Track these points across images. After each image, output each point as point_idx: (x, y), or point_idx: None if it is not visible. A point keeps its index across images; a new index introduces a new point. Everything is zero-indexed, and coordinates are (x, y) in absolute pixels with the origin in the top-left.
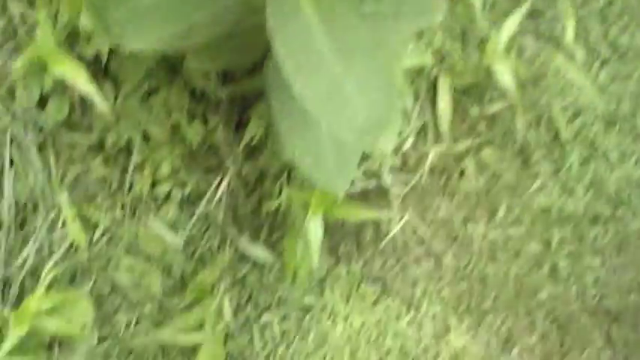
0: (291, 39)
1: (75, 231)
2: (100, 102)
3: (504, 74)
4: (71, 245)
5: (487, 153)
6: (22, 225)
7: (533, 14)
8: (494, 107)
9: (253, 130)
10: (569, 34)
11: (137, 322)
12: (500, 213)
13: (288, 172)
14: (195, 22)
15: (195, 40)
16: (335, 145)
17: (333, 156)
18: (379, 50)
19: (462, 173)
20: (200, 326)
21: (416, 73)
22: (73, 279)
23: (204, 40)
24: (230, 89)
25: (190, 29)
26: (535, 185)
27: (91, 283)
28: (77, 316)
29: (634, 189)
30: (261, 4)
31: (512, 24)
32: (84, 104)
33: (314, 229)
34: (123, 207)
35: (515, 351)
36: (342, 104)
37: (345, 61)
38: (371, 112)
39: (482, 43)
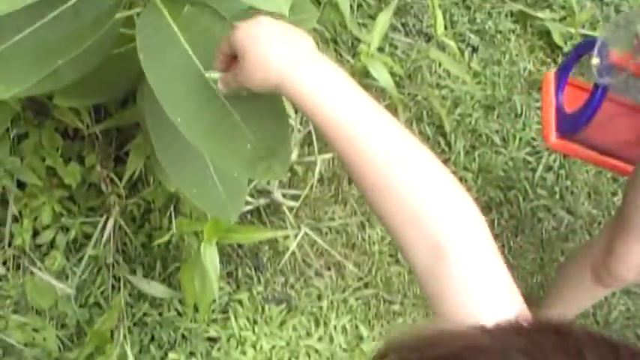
0: (166, 69)
1: None
2: None
3: (380, 73)
4: None
5: None
6: None
7: (399, 11)
8: None
9: (134, 164)
10: (439, 25)
11: None
12: None
13: (175, 202)
14: (62, 65)
15: (63, 83)
16: (221, 172)
17: (221, 183)
18: None
19: (351, 179)
20: None
21: None
22: None
23: (72, 80)
24: (104, 124)
25: (57, 73)
26: None
27: None
28: None
29: (521, 170)
30: (130, 36)
31: (382, 23)
32: None
33: (209, 257)
34: (5, 262)
35: None
36: (228, 134)
37: None
38: (261, 141)
39: (355, 45)
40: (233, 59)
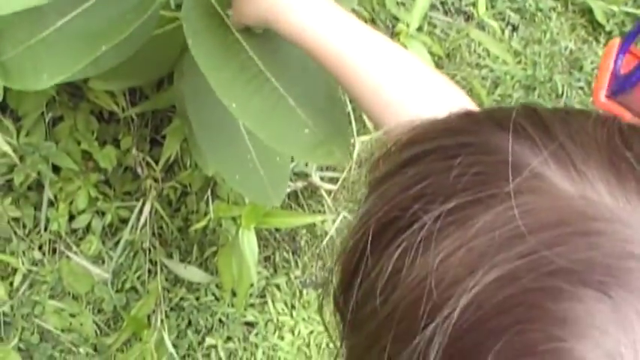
0: (215, 55)
1: None
2: (1, 142)
3: (419, 53)
4: None
5: None
6: None
7: None
8: None
9: (170, 148)
10: (481, 5)
11: None
12: None
13: (212, 186)
14: (104, 52)
15: (104, 68)
16: (264, 157)
17: (263, 169)
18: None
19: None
20: None
21: None
22: None
23: (113, 65)
24: (140, 107)
25: (98, 59)
26: None
27: (18, 334)
28: None
29: None
30: (169, 18)
31: (422, 3)
32: None
33: (248, 242)
34: (41, 247)
35: None
36: (284, 118)
37: (278, 69)
38: (318, 126)
39: (393, 24)
40: None
